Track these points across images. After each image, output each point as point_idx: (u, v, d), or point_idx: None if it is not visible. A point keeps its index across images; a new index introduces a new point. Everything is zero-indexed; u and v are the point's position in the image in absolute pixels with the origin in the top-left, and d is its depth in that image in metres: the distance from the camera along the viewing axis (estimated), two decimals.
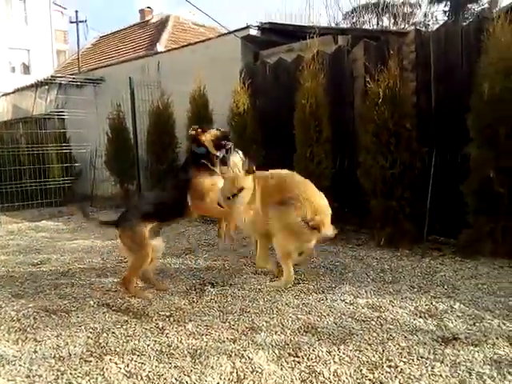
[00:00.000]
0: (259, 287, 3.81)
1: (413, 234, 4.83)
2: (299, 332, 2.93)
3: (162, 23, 16.68)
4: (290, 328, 2.99)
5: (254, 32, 7.52)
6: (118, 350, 2.77)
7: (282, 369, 2.47)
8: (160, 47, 12.56)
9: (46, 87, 11.59)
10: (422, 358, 2.52)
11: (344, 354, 2.60)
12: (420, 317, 3.08)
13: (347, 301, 3.43)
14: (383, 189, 4.88)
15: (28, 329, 3.14)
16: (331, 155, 5.69)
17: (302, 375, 2.39)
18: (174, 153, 7.82)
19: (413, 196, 4.81)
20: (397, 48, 5.33)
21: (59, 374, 2.52)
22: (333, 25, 17.87)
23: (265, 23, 7.69)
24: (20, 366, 2.62)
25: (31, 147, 9.26)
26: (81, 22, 18.36)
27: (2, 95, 14.06)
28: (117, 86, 8.99)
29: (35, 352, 2.78)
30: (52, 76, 11.22)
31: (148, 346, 2.81)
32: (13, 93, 13.57)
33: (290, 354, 2.62)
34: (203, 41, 9.06)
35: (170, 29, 16.12)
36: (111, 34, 16.84)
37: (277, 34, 7.68)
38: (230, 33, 7.96)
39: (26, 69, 25.57)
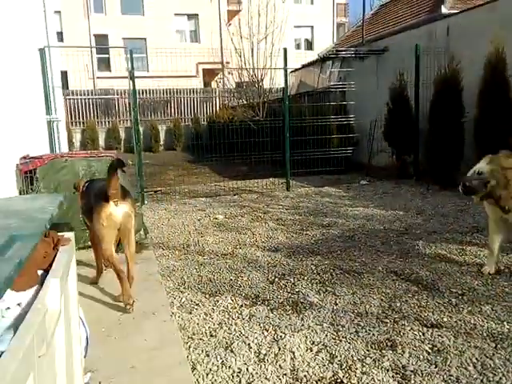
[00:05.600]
0: None
1: None
2: None
3: None
4: None
5: None
6: (411, 317, 2.86)
7: None
8: (445, 9, 11.73)
9: (330, 62, 12.38)
10: None
11: None
12: None
13: None
14: None
15: (327, 282, 3.54)
16: None
17: None
18: (459, 123, 7.30)
19: None
20: None
21: (359, 328, 2.76)
22: None
23: None
24: (325, 313, 2.99)
25: (315, 119, 10.10)
26: None
27: (291, 71, 15.74)
28: (400, 55, 8.90)
29: (336, 304, 3.12)
30: (337, 50, 11.86)
31: (443, 319, 2.80)
32: (300, 69, 15.04)
33: None
34: None
35: None
36: (390, 1, 16.68)
37: None
38: None
39: (309, 44, 27.86)
